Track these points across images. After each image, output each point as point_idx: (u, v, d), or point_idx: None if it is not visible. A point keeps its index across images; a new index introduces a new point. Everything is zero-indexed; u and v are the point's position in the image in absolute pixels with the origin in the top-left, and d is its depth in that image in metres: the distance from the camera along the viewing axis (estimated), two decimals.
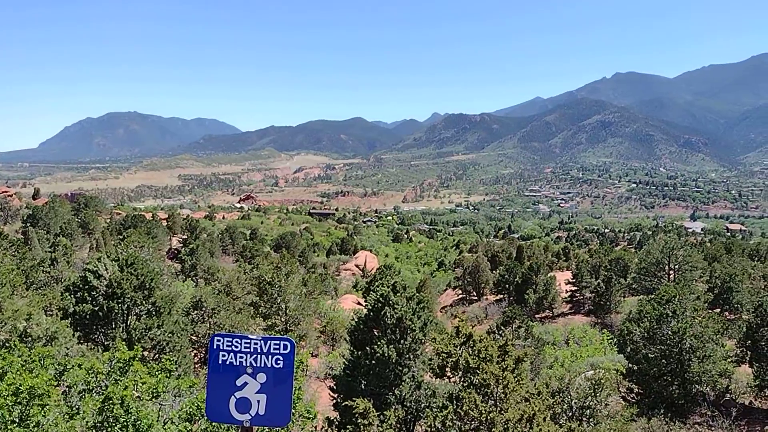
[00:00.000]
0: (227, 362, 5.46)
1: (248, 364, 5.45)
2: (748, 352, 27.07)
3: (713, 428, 22.67)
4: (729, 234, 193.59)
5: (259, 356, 5.45)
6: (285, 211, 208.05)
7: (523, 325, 32.66)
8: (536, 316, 51.97)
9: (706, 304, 39.59)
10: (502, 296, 60.77)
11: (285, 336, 5.72)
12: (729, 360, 26.52)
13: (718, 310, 44.51)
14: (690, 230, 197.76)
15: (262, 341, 5.47)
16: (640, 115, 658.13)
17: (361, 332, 20.78)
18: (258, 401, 5.42)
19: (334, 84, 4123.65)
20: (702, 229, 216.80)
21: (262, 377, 5.43)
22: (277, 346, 5.44)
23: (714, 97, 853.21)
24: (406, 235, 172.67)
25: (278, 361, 5.42)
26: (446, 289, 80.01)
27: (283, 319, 34.96)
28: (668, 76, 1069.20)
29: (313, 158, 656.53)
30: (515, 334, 31.50)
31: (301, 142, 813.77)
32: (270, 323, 34.77)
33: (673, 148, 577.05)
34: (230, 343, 5.48)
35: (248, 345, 5.46)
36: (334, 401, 20.65)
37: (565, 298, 55.19)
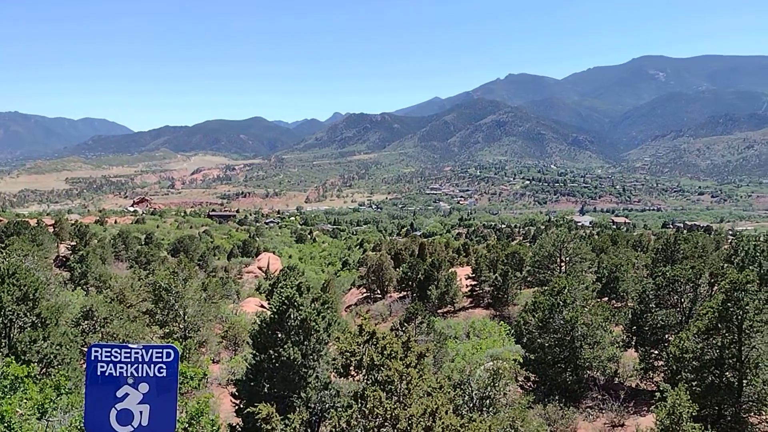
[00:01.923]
0: (106, 373, 5.16)
1: (129, 375, 5.17)
2: (634, 338, 28.92)
3: (604, 411, 23.97)
4: (614, 226, 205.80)
5: (140, 366, 5.18)
6: (183, 213, 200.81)
7: (426, 320, 33.19)
8: (438, 311, 53.01)
9: (595, 293, 41.89)
10: (405, 293, 61.55)
11: (169, 344, 5.43)
12: (616, 345, 28.20)
13: (606, 298, 47.03)
14: (579, 224, 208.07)
15: (143, 350, 5.21)
16: (532, 114, 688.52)
17: (264, 335, 20.39)
18: (140, 412, 5.15)
19: (233, 83, 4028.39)
20: (590, 223, 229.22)
21: (144, 387, 5.17)
22: (160, 355, 5.20)
23: (599, 97, 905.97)
24: (309, 236, 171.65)
25: (161, 370, 5.18)
26: (351, 288, 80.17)
27: (181, 326, 33.79)
28: (557, 78, 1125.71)
29: (212, 159, 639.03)
30: (418, 330, 31.99)
31: (198, 143, 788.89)
32: (167, 330, 33.52)
33: (562, 146, 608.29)
34: (109, 354, 5.18)
35: (128, 354, 5.18)
36: (237, 407, 20.15)
37: (466, 292, 56.66)
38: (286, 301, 20.02)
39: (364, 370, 15.45)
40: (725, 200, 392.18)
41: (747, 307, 19.41)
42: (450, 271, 58.10)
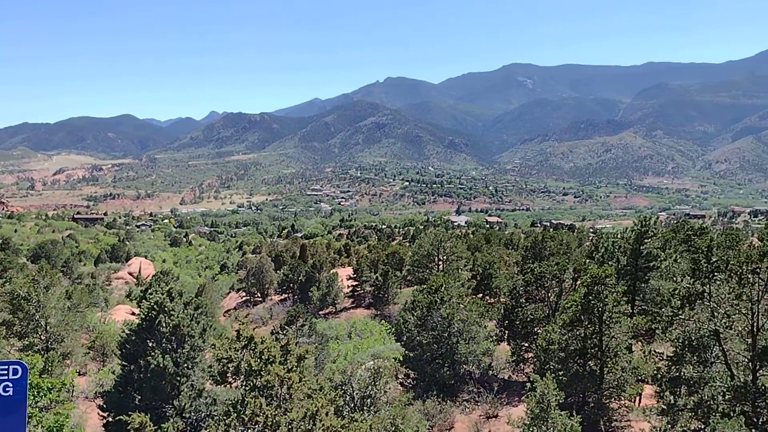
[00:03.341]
0: None
1: None
2: (506, 332, 30.38)
3: (479, 403, 24.97)
4: (488, 226, 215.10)
5: None
6: (44, 217, 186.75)
7: (307, 322, 32.94)
8: (320, 312, 52.92)
9: (470, 290, 43.48)
10: (286, 296, 60.93)
11: (16, 359, 4.95)
12: (490, 340, 29.47)
13: (481, 295, 48.95)
14: (456, 224, 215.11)
15: None
16: (411, 117, 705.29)
17: (133, 344, 19.37)
18: None
19: (100, 77, 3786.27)
20: (466, 222, 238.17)
21: None
22: (5, 372, 4.65)
23: (472, 102, 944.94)
24: (185, 239, 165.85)
25: (7, 389, 4.64)
26: (230, 292, 78.22)
27: (43, 337, 31.44)
28: (433, 82, 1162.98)
29: (77, 158, 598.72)
30: (299, 333, 31.68)
31: (61, 141, 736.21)
32: (27, 342, 31.06)
33: (439, 149, 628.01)
34: None
35: None
36: (105, 421, 18.99)
37: (347, 293, 56.99)
38: (155, 306, 19.12)
39: (243, 377, 15.07)
40: (587, 200, 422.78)
41: (606, 300, 20.92)
42: (331, 272, 58.21)
